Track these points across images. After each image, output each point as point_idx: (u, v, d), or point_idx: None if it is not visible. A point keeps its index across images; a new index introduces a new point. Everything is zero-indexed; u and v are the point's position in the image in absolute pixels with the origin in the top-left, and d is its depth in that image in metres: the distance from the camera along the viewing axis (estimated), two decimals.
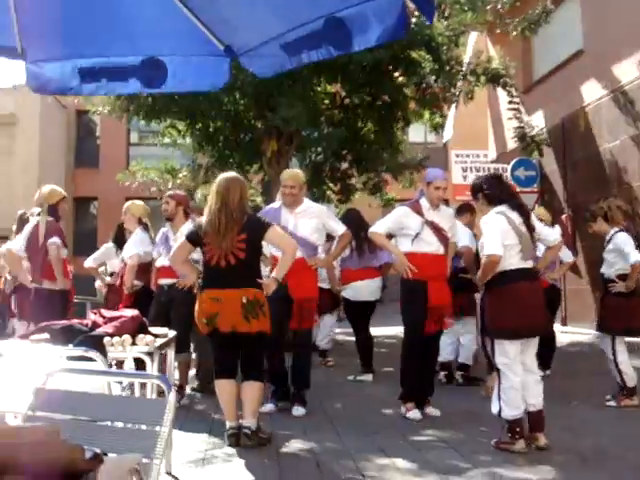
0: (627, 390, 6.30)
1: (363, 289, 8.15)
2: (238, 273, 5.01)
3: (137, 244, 7.05)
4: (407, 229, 5.98)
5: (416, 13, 10.56)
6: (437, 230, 5.98)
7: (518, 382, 4.93)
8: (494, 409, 5.02)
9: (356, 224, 7.87)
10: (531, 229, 5.10)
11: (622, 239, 6.37)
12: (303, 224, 6.19)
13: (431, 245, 5.93)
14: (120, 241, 7.84)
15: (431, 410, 6.05)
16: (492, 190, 5.22)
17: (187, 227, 6.57)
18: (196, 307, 5.14)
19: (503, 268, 5.01)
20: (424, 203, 6.04)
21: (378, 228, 6.09)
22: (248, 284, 5.02)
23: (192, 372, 7.40)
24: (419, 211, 5.99)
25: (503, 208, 5.10)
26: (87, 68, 3.75)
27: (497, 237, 4.98)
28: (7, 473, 1.45)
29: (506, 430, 4.95)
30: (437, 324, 6.00)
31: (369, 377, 8.09)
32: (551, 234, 5.44)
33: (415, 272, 5.80)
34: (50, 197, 6.86)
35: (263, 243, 5.26)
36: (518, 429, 4.89)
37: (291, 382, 6.35)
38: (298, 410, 6.13)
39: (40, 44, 3.75)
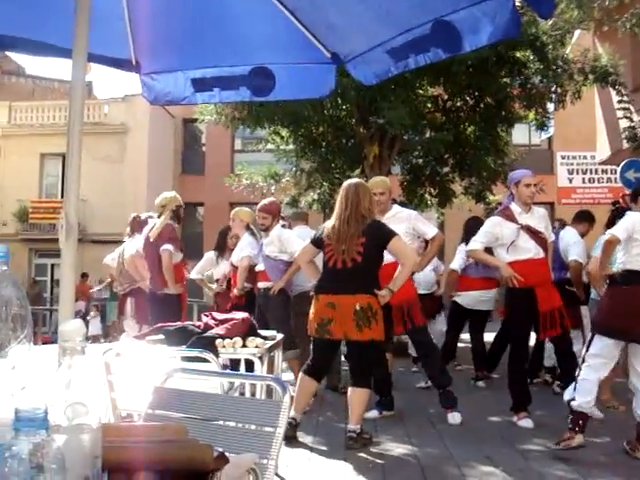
0: None
1: (477, 298, 8.13)
2: (354, 277, 5.05)
3: (246, 247, 7.22)
4: (502, 239, 5.87)
5: (521, 11, 10.41)
6: (534, 234, 5.83)
7: (597, 378, 4.89)
8: (567, 396, 4.96)
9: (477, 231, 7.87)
10: None
11: None
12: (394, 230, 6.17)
13: (530, 251, 5.80)
14: (222, 248, 8.07)
15: (524, 422, 5.87)
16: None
17: (277, 230, 6.88)
18: (311, 310, 5.24)
19: (629, 267, 4.89)
20: (515, 208, 5.91)
21: (474, 245, 6.00)
22: (362, 290, 5.04)
23: None
24: (511, 217, 5.86)
25: None
26: (199, 79, 3.87)
27: (626, 225, 4.92)
28: (137, 470, 1.51)
29: (570, 421, 4.88)
30: (552, 329, 5.83)
31: (481, 383, 8.08)
32: None
33: (521, 281, 5.69)
34: (174, 200, 7.08)
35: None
36: (581, 422, 4.83)
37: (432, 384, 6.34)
38: (454, 418, 5.99)
39: (153, 56, 3.89)
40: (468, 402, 7.00)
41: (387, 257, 5.45)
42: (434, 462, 4.82)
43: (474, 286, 8.08)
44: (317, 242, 5.34)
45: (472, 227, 8.07)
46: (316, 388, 5.29)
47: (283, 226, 7.12)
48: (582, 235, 7.42)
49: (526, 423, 5.78)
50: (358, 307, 4.97)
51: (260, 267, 7.08)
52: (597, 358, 4.91)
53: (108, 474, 1.43)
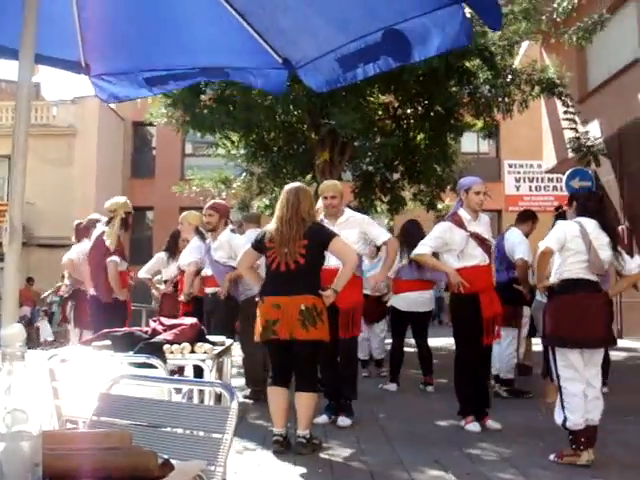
0: None
1: (415, 300, 8.15)
2: (297, 279, 5.08)
3: (194, 252, 7.16)
4: (451, 244, 5.94)
5: (471, 22, 10.57)
6: (481, 241, 5.93)
7: (581, 391, 4.87)
8: (558, 419, 4.95)
9: (416, 235, 7.89)
10: (616, 249, 5.04)
11: None
12: (346, 235, 6.07)
13: (476, 258, 5.89)
14: (173, 250, 8.00)
15: (490, 423, 5.97)
16: (588, 204, 5.18)
17: (226, 235, 6.85)
18: (257, 314, 5.23)
19: (567, 276, 4.98)
20: (464, 214, 5.99)
21: (423, 249, 6.01)
22: (307, 291, 5.07)
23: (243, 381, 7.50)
24: (461, 224, 5.93)
25: (583, 219, 5.08)
26: (151, 78, 3.85)
27: (557, 235, 5.02)
28: (80, 478, 1.49)
29: (571, 441, 4.87)
30: (491, 336, 5.94)
31: (393, 386, 8.16)
32: (629, 262, 5.27)
33: (467, 287, 5.78)
34: (124, 207, 6.97)
35: None
36: (584, 439, 4.80)
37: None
38: (344, 421, 6.10)
39: (103, 59, 3.83)
40: (417, 407, 7.08)
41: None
42: (383, 467, 4.83)
43: (409, 288, 8.13)
44: (258, 246, 5.35)
45: (409, 230, 8.21)
46: (288, 395, 5.23)
47: (232, 230, 7.07)
48: (526, 235, 7.57)
49: (473, 427, 5.85)
50: (303, 307, 4.99)
51: (207, 272, 7.03)
52: (569, 370, 4.93)
53: None
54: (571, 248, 4.95)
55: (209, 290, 6.99)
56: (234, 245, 6.75)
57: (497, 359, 7.36)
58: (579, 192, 5.55)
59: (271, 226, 5.28)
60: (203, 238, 7.31)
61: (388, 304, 8.51)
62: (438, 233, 6.00)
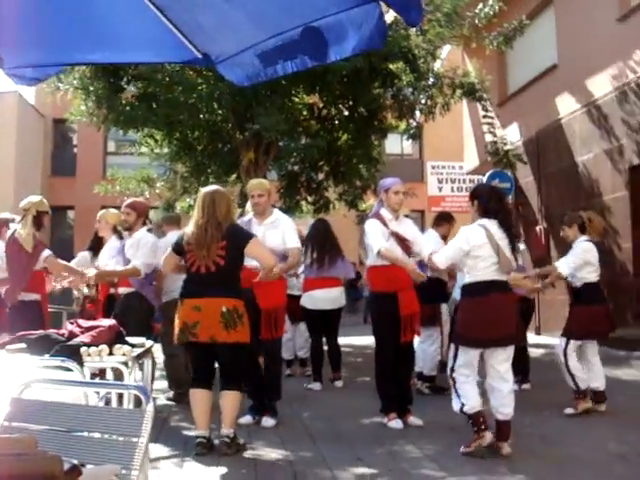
0: (580, 393, 6.40)
1: (321, 298, 8.21)
2: (218, 281, 5.05)
3: (112, 252, 6.98)
4: None
5: (394, 25, 10.70)
6: (401, 241, 5.99)
7: (472, 379, 5.11)
8: (456, 406, 5.14)
9: (322, 235, 8.21)
10: (514, 247, 5.21)
11: (583, 247, 6.53)
12: (271, 235, 6.13)
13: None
14: (97, 249, 7.78)
15: (413, 420, 6.05)
16: (489, 204, 5.29)
17: (139, 234, 6.68)
18: (176, 316, 5.16)
19: (478, 279, 5.12)
20: (385, 214, 6.06)
21: (383, 243, 5.87)
22: (228, 293, 5.05)
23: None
24: (384, 223, 6.01)
25: (486, 222, 5.20)
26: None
27: (457, 247, 5.22)
28: None
29: (471, 425, 5.06)
30: (411, 333, 6.04)
31: (317, 385, 8.21)
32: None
33: (384, 285, 5.87)
34: (37, 205, 6.67)
35: None
36: (482, 419, 5.03)
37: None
38: (268, 421, 6.08)
39: (19, 52, 3.74)
40: (341, 405, 7.12)
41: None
42: (307, 466, 4.83)
43: (314, 286, 8.20)
44: (178, 249, 5.30)
45: (318, 229, 8.35)
46: (211, 397, 5.17)
47: (149, 230, 6.94)
48: (444, 236, 7.69)
49: (395, 424, 5.90)
50: (225, 309, 4.96)
51: None
52: (465, 368, 5.13)
53: None
54: (480, 255, 5.11)
55: (122, 290, 6.76)
56: (141, 245, 6.59)
57: (421, 357, 7.48)
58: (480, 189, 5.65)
59: (188, 229, 5.24)
60: (121, 237, 7.14)
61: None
62: (376, 229, 5.96)
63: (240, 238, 5.17)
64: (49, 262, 6.51)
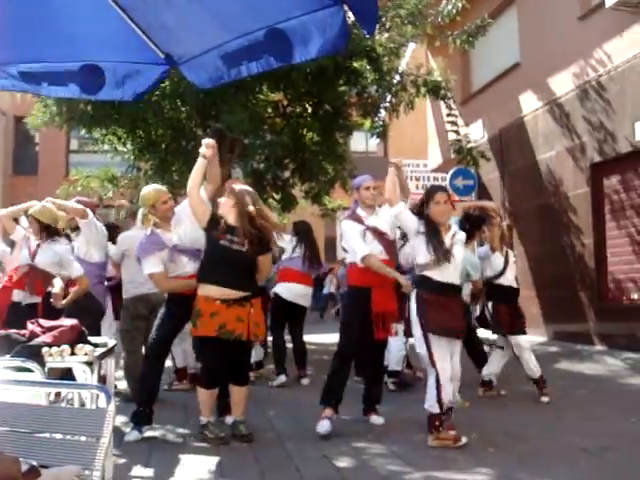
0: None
1: (300, 292, 8.34)
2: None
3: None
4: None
5: (358, 24, 10.73)
6: (379, 235, 5.92)
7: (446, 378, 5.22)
8: (430, 402, 5.21)
9: (310, 234, 8.60)
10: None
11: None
12: None
13: (373, 252, 5.83)
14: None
15: (374, 419, 6.06)
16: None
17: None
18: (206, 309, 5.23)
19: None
20: (361, 212, 6.01)
21: (365, 250, 5.79)
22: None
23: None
24: (359, 220, 5.95)
25: None
26: (27, 72, 3.73)
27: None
28: None
29: (444, 421, 5.21)
30: (384, 331, 5.93)
31: (283, 378, 8.29)
32: None
33: (360, 279, 5.85)
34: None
35: None
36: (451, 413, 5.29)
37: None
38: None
39: None
40: (306, 403, 7.12)
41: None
42: (273, 464, 4.85)
43: (297, 279, 8.33)
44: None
45: (309, 230, 8.49)
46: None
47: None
48: None
49: (321, 427, 5.66)
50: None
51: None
52: (444, 363, 5.24)
53: None
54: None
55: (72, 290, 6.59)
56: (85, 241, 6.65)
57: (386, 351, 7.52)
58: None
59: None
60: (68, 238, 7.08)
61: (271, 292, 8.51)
62: (354, 231, 5.91)
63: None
64: None
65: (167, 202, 5.89)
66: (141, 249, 5.82)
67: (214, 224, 5.24)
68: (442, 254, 5.24)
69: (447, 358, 5.24)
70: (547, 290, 12.72)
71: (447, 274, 5.31)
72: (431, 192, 5.50)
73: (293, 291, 8.31)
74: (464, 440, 5.17)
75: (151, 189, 6.09)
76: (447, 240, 5.37)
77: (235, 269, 5.26)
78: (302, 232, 8.56)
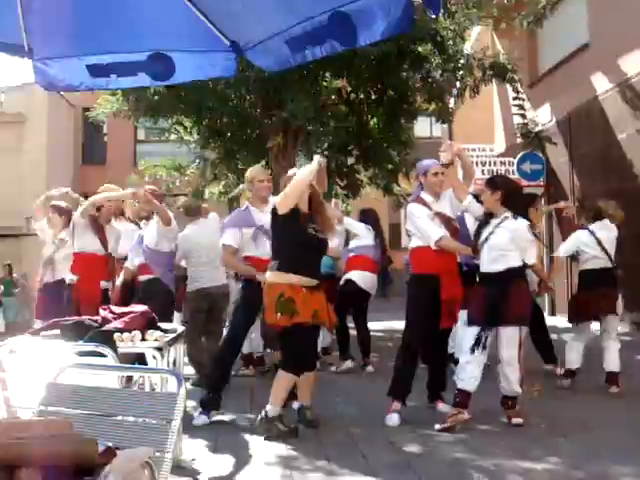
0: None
1: (371, 280, 8.35)
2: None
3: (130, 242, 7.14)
4: None
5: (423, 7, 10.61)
6: (446, 221, 5.83)
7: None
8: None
9: (377, 224, 8.59)
10: None
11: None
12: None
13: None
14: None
15: (442, 407, 5.95)
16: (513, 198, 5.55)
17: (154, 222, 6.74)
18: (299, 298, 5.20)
19: None
20: (426, 197, 5.92)
21: (439, 233, 5.74)
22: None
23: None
24: (425, 204, 5.86)
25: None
26: (95, 65, 3.77)
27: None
28: (21, 467, 1.47)
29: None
30: (450, 319, 5.86)
31: (349, 363, 8.31)
32: None
33: (428, 267, 5.74)
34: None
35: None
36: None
37: None
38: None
39: (46, 42, 3.76)
40: (371, 390, 7.13)
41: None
42: (339, 451, 4.86)
43: (371, 268, 8.32)
44: None
45: (377, 218, 8.54)
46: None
47: None
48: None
49: (390, 420, 5.63)
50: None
51: (140, 259, 6.93)
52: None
53: None
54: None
55: (142, 278, 6.89)
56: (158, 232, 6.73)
57: (451, 337, 7.40)
58: (497, 180, 5.68)
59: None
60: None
61: (342, 279, 8.47)
62: (423, 214, 5.84)
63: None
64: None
65: (263, 181, 6.03)
66: (229, 220, 6.10)
67: (297, 213, 5.23)
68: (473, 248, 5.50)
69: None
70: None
71: (480, 262, 5.47)
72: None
73: (367, 279, 8.28)
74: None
75: (255, 167, 6.45)
76: (489, 228, 5.48)
77: (318, 257, 5.39)
78: (373, 221, 8.55)
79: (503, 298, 5.33)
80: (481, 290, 5.51)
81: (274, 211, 5.26)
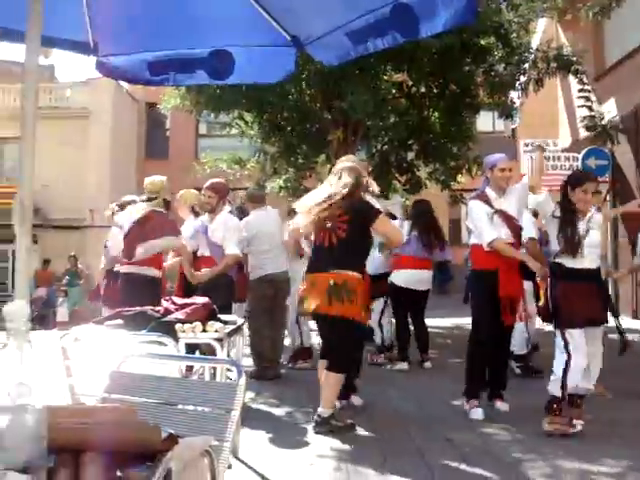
0: None
1: (416, 278, 8.17)
2: (337, 254, 5.13)
3: (189, 231, 7.01)
4: None
5: (486, 0, 10.45)
6: (508, 219, 5.74)
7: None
8: (554, 384, 5.15)
9: (428, 216, 8.29)
10: None
11: None
12: None
13: (500, 236, 5.66)
14: None
15: (500, 405, 5.89)
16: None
17: (226, 216, 6.63)
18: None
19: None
20: (490, 193, 5.83)
21: (493, 234, 5.66)
22: (343, 267, 5.10)
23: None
24: (487, 202, 5.78)
25: None
26: (155, 61, 3.82)
27: None
28: (86, 451, 1.51)
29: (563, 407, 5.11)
30: (510, 316, 5.76)
31: (404, 365, 8.18)
32: None
33: (486, 262, 5.69)
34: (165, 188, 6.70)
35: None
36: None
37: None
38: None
39: (110, 39, 3.83)
40: (429, 387, 7.09)
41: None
42: (397, 448, 4.85)
43: (413, 265, 8.13)
44: None
45: (425, 211, 8.32)
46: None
47: (230, 212, 6.92)
48: (535, 214, 7.42)
49: (476, 414, 5.64)
50: (332, 282, 5.02)
51: (205, 252, 6.76)
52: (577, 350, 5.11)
53: (56, 455, 1.41)
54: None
55: (205, 270, 6.68)
56: (230, 228, 6.56)
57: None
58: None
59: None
60: (197, 216, 7.20)
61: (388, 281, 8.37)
62: (481, 213, 5.76)
63: (365, 213, 5.23)
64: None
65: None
66: None
67: None
68: (570, 247, 5.11)
69: (581, 347, 5.06)
70: None
71: (580, 260, 5.13)
72: (580, 179, 5.31)
73: (407, 277, 8.15)
74: (579, 427, 5.03)
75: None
76: (582, 226, 5.19)
77: None
78: (419, 213, 8.31)
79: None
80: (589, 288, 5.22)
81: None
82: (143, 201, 6.62)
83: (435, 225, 8.39)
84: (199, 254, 6.84)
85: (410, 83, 12.58)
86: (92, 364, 3.69)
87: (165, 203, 6.57)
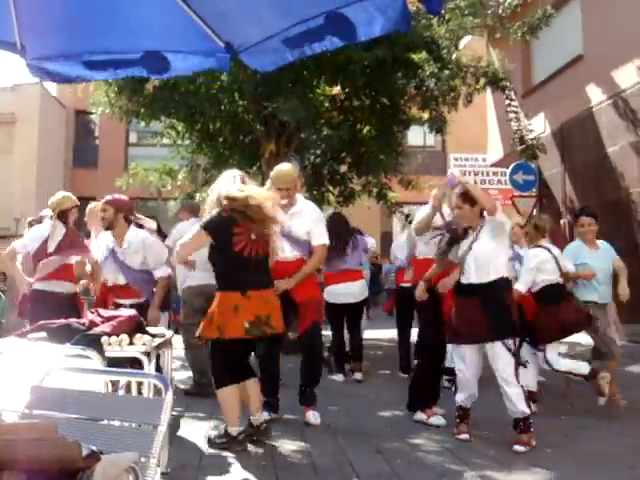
0: None
1: (339, 292, 8.20)
2: (266, 267, 5.13)
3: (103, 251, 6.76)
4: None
5: (416, 15, 10.60)
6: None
7: None
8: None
9: (340, 228, 8.14)
10: None
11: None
12: (297, 224, 5.79)
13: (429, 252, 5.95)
14: None
15: (434, 420, 5.91)
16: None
17: (135, 234, 6.18)
18: (230, 308, 4.84)
19: None
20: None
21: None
22: (271, 281, 5.19)
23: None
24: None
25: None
26: (91, 61, 3.75)
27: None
28: (4, 470, 1.44)
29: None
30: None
31: (340, 377, 8.26)
32: None
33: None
34: (61, 203, 6.46)
35: None
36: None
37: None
38: (315, 416, 5.90)
39: (40, 41, 3.73)
40: (360, 397, 7.09)
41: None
42: (327, 459, 4.81)
43: (335, 280, 8.23)
44: (217, 230, 5.05)
45: (335, 222, 8.14)
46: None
47: (139, 226, 6.41)
48: None
49: (437, 420, 5.76)
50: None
51: (119, 280, 6.21)
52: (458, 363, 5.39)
53: None
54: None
55: (128, 302, 6.01)
56: (148, 247, 6.17)
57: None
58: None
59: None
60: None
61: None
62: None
63: None
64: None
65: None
66: None
67: None
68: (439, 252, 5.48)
69: (462, 361, 5.29)
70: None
71: (466, 275, 5.27)
72: None
73: (333, 293, 8.23)
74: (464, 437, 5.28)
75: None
76: (466, 242, 5.35)
77: None
78: (336, 227, 7.83)
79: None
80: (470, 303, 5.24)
81: None
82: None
83: (344, 232, 8.22)
84: (110, 283, 6.24)
85: (343, 96, 12.66)
86: (13, 378, 3.54)
87: (61, 213, 6.41)
